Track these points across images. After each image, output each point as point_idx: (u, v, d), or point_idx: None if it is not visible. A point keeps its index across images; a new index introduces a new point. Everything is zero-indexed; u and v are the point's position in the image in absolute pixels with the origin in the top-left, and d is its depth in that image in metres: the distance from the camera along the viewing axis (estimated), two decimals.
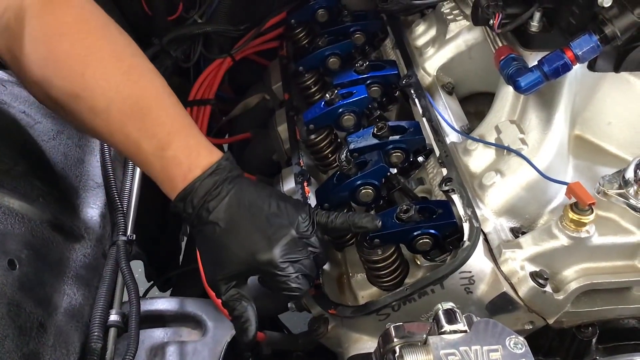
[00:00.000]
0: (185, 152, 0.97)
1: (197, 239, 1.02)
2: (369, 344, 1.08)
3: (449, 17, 1.35)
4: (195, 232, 1.00)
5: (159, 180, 0.99)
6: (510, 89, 1.11)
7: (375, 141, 1.18)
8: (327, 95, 1.29)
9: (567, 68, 1.03)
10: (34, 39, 0.96)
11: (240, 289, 0.99)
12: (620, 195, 1.05)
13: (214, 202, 0.96)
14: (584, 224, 1.00)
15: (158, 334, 1.20)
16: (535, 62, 1.06)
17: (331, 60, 1.43)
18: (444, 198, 1.09)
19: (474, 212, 1.03)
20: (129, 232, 1.21)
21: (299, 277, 0.97)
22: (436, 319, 0.80)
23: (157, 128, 0.97)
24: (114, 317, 1.08)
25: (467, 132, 1.21)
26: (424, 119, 1.22)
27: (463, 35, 1.33)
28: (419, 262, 1.08)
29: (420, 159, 1.20)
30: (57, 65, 0.96)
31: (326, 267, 1.16)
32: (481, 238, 1.02)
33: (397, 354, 0.78)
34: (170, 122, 0.98)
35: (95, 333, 1.04)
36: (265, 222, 0.97)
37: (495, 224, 1.07)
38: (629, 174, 1.04)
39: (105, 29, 1.02)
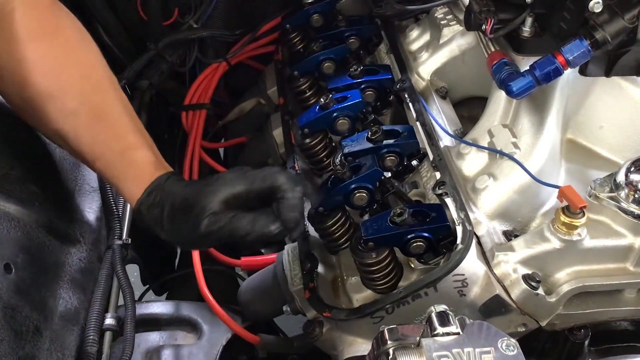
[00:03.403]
0: (152, 151, 1.01)
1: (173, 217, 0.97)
2: (363, 347, 1.08)
3: (442, 22, 1.36)
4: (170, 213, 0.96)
5: (121, 179, 0.99)
6: (503, 93, 1.12)
7: (370, 145, 1.19)
8: (321, 99, 1.29)
9: (558, 73, 1.04)
10: (15, 40, 1.00)
11: None
12: (611, 198, 1.05)
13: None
14: (576, 227, 1.01)
15: (153, 338, 1.21)
16: (527, 67, 1.07)
17: (326, 64, 1.44)
18: (437, 201, 1.09)
19: (467, 216, 1.04)
20: (124, 236, 1.22)
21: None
22: (429, 322, 0.80)
23: (125, 131, 1.01)
24: (109, 320, 1.09)
25: (460, 136, 1.22)
26: (418, 123, 1.22)
27: (456, 40, 1.34)
28: (412, 265, 1.09)
29: (414, 162, 1.21)
30: (35, 64, 1.00)
31: (321, 270, 1.17)
32: (474, 241, 1.02)
33: (391, 356, 0.78)
34: (134, 129, 1.02)
35: (91, 337, 1.04)
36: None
37: (488, 227, 1.08)
38: (620, 177, 1.05)
39: (83, 40, 1.07)
